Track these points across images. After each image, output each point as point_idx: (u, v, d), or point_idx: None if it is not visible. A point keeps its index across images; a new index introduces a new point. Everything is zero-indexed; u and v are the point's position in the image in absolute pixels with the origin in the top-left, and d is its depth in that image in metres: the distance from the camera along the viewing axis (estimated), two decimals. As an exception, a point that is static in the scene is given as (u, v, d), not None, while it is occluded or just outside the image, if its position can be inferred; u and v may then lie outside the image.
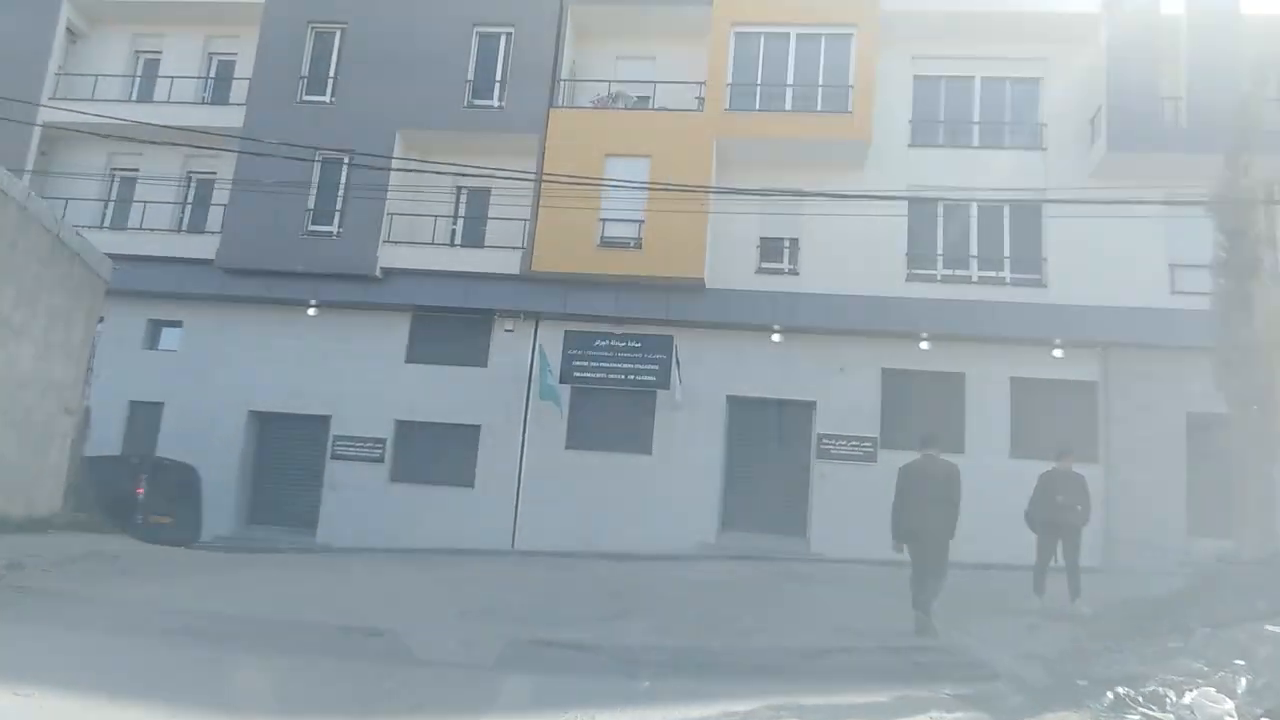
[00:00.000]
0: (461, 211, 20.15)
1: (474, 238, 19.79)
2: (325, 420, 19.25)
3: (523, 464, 18.50)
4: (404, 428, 19.14)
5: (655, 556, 16.47)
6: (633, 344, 18.71)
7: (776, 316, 18.29)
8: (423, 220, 19.52)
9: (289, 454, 19.62)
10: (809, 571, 14.65)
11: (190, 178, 21.04)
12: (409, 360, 19.38)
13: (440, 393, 19.03)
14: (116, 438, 19.62)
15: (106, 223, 20.62)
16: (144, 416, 19.75)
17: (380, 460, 18.90)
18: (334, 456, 19.03)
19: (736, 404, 18.56)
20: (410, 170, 18.26)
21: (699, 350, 18.57)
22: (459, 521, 18.37)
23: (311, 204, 19.47)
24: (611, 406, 18.70)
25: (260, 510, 19.48)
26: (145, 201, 20.48)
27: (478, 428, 18.83)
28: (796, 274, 18.69)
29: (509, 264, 18.70)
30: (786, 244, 19.07)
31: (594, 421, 18.67)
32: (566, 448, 18.56)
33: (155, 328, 20.36)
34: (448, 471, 18.77)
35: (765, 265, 18.91)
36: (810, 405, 18.33)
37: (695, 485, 18.02)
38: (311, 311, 19.67)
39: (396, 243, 19.14)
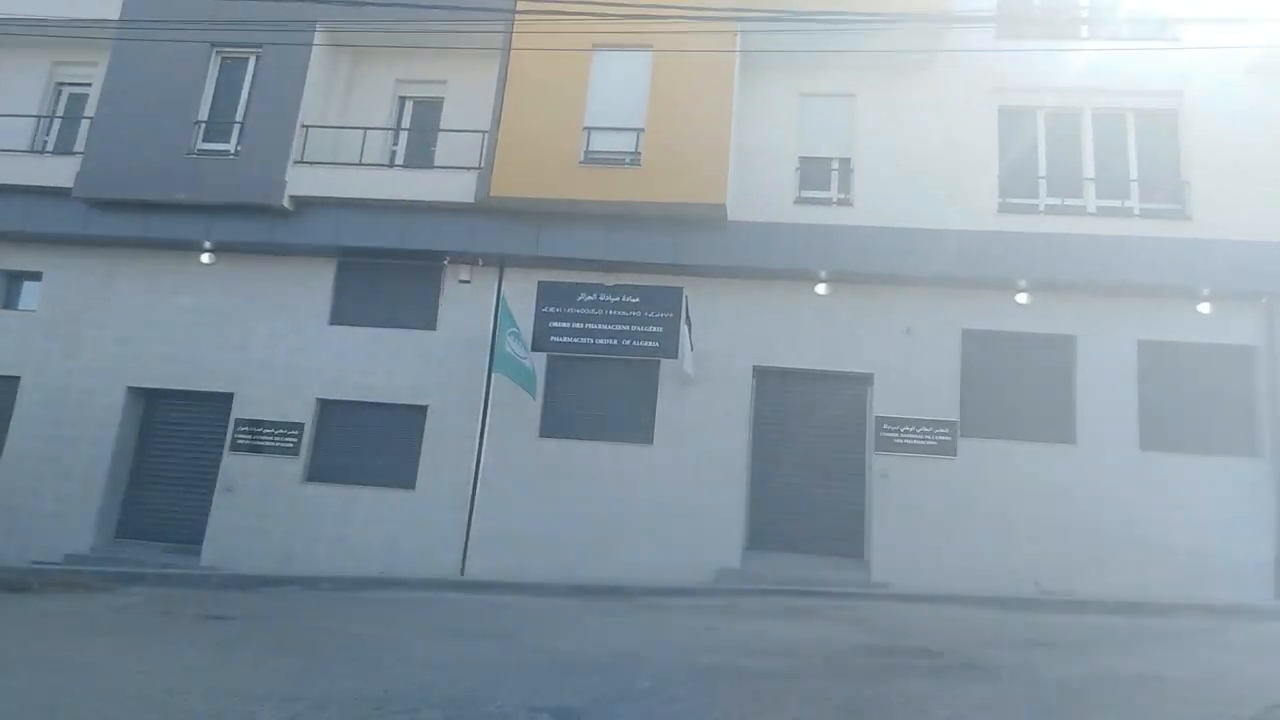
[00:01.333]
0: (405, 123, 15.37)
1: (419, 157, 15.03)
2: (226, 400, 14.61)
3: (481, 458, 13.85)
4: (327, 410, 14.49)
5: (658, 591, 11.84)
6: (628, 298, 13.99)
7: (822, 260, 13.52)
8: (349, 136, 14.77)
9: (176, 444, 14.99)
10: (902, 619, 9.92)
11: (60, 91, 16.28)
12: (335, 321, 14.70)
13: (374, 364, 14.36)
14: (-46, 423, 15.00)
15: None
16: (-7, 394, 15.14)
17: (293, 452, 14.26)
18: (233, 448, 14.39)
19: (767, 378, 13.84)
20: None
21: (717, 306, 13.85)
22: (393, 538, 13.76)
23: (204, 114, 14.71)
24: (600, 382, 14.03)
25: (135, 519, 14.87)
26: (6, 116, 15.74)
27: (423, 409, 14.18)
28: (849, 204, 13.88)
29: (462, 190, 13.93)
30: (835, 165, 14.26)
31: (577, 401, 14.01)
32: (541, 435, 13.90)
33: (10, 281, 15.69)
34: (381, 469, 14.16)
35: (807, 193, 14.10)
36: (866, 379, 13.61)
37: (712, 488, 13.36)
38: (206, 258, 14.97)
39: (314, 163, 14.38)
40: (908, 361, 13.41)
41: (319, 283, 14.81)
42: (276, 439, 14.31)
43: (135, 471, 14.96)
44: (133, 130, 14.55)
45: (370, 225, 14.29)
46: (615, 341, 13.90)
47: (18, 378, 15.08)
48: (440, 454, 13.97)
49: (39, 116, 15.61)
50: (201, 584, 12.74)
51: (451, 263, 14.39)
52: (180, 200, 14.39)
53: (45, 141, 15.81)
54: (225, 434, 14.50)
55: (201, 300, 14.94)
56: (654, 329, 13.82)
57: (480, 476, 13.81)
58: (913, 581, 12.63)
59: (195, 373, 14.73)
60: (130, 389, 14.86)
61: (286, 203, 14.20)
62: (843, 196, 14.00)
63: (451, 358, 14.24)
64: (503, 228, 13.99)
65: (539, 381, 13.92)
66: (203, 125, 14.75)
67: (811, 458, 13.54)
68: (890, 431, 13.21)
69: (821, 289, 13.76)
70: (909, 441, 13.17)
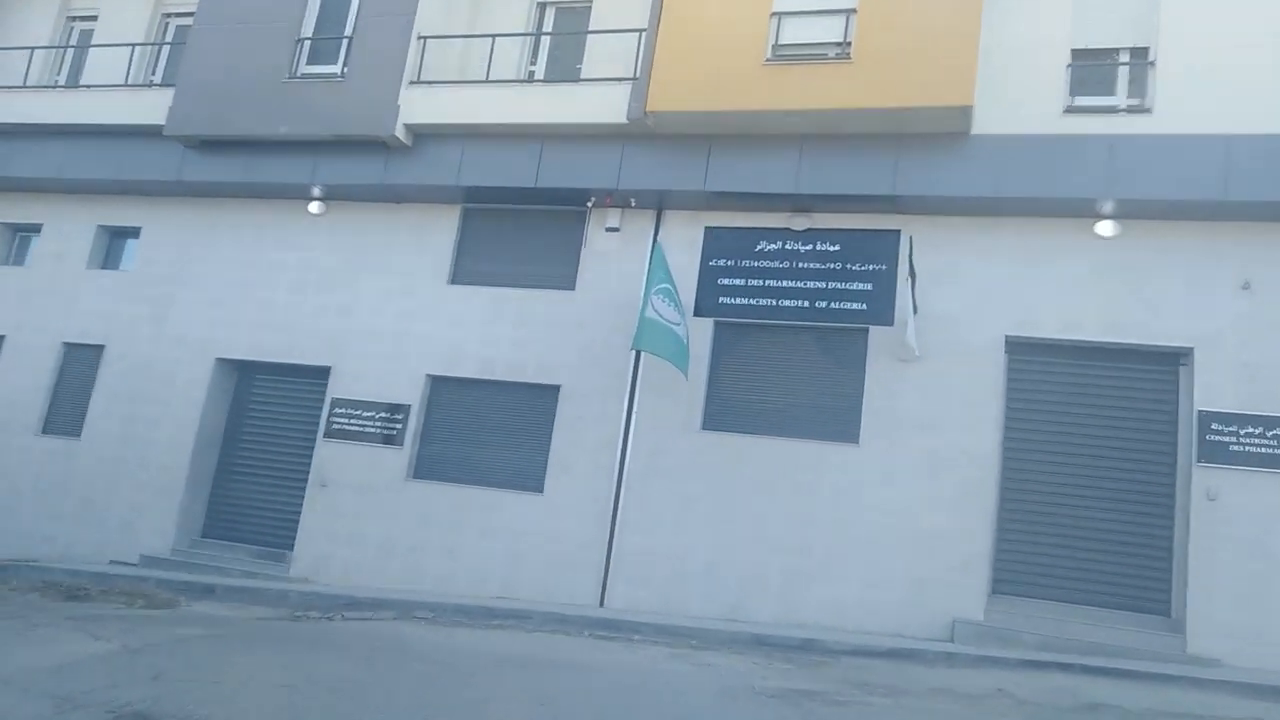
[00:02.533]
0: (546, 27, 12.47)
1: (561, 73, 12.04)
2: (323, 375, 12.05)
3: (626, 456, 10.61)
4: (439, 390, 11.65)
5: (873, 652, 8.17)
6: (826, 245, 10.46)
7: (1105, 187, 9.51)
8: (475, 50, 11.99)
9: (268, 428, 12.55)
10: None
11: (166, 24, 14.41)
12: (456, 280, 11.88)
13: (498, 332, 11.43)
14: (37, 398, 13.17)
15: (60, 79, 14.37)
16: (80, 366, 13.21)
17: (397, 441, 11.47)
18: (328, 434, 11.77)
19: (1025, 354, 9.90)
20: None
21: (954, 254, 10.08)
22: (516, 553, 10.69)
23: (308, 29, 12.34)
24: (785, 358, 10.53)
25: (222, 517, 12.47)
26: (103, 46, 13.91)
27: (554, 391, 11.10)
28: (1145, 110, 9.78)
29: (613, 108, 10.80)
30: (1125, 58, 10.23)
31: (753, 384, 10.57)
32: (704, 428, 10.52)
33: (112, 238, 13.83)
34: (502, 466, 11.16)
35: (1083, 99, 10.10)
36: (1178, 357, 9.45)
37: (944, 506, 9.54)
38: (315, 207, 12.53)
39: (432, 83, 11.67)
40: (1246, 331, 9.17)
41: (438, 233, 12.04)
42: (379, 425, 11.58)
43: (224, 459, 12.61)
44: (229, 55, 12.34)
45: (500, 160, 11.40)
46: (807, 304, 10.37)
47: (102, 346, 13.10)
48: (575, 448, 10.82)
49: (132, 45, 13.68)
50: (279, 602, 10.06)
51: (597, 206, 11.29)
52: (282, 136, 12.01)
53: (151, 82, 13.89)
54: (320, 417, 11.91)
55: (305, 256, 12.49)
56: (861, 286, 10.20)
57: (625, 479, 10.55)
58: (1257, 658, 8.38)
59: (291, 342, 12.26)
60: (219, 361, 12.55)
61: (400, 133, 11.53)
62: (1135, 102, 9.92)
63: (592, 326, 11.10)
64: (662, 156, 10.77)
65: (701, 357, 10.56)
66: (306, 44, 12.36)
67: (1090, 467, 9.47)
68: (1221, 434, 8.98)
69: (1105, 228, 9.73)
70: (1252, 449, 8.91)
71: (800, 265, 10.47)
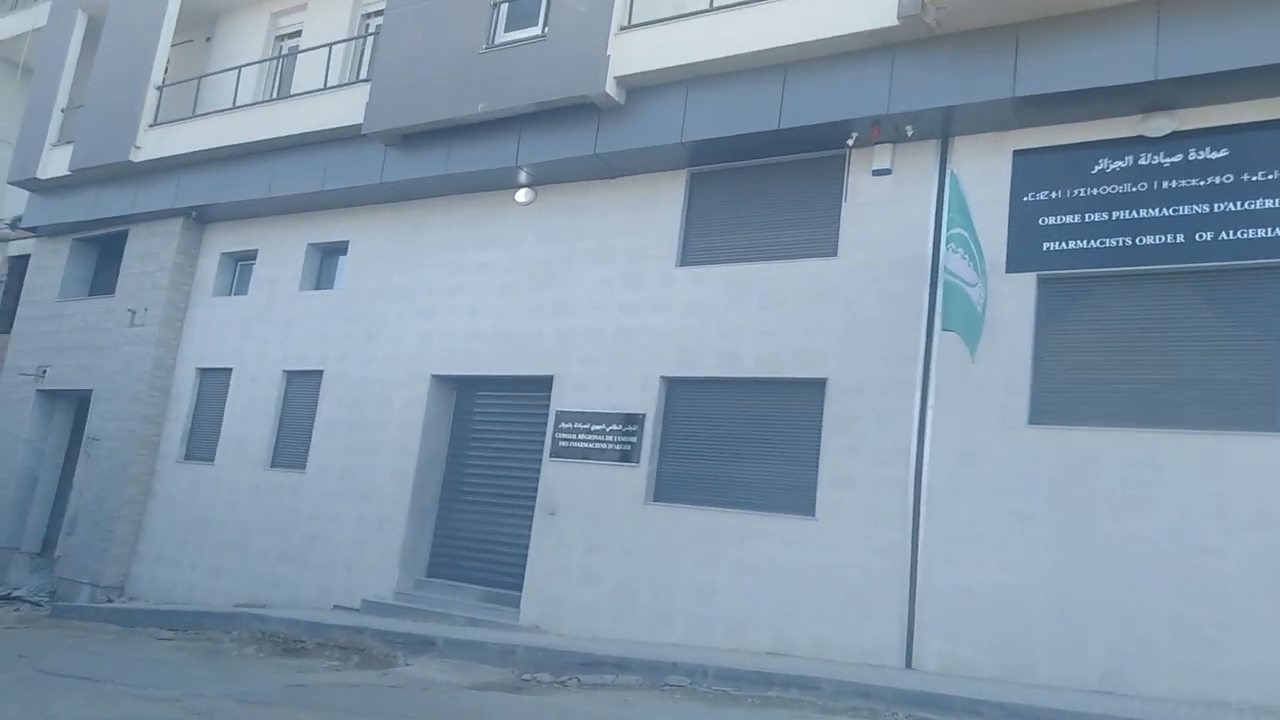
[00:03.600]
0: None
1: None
2: (544, 385, 10.34)
3: (924, 463, 7.99)
4: (677, 393, 9.56)
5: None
6: (1207, 152, 7.36)
7: None
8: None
9: (491, 449, 11.02)
10: None
11: (366, 24, 13.52)
12: (686, 260, 9.80)
13: (742, 318, 9.18)
14: (264, 429, 12.48)
15: (272, 93, 13.88)
16: (301, 394, 12.40)
17: (631, 458, 9.48)
18: (554, 453, 10.00)
19: None
20: None
21: None
22: (785, 595, 8.34)
23: (503, -8, 10.81)
24: (1151, 319, 7.49)
25: (447, 554, 11.06)
26: (301, 52, 13.25)
27: (819, 385, 8.67)
28: None
29: (875, 11, 8.28)
30: None
31: (1103, 360, 7.60)
32: (1031, 423, 7.68)
33: (324, 257, 13.03)
34: (761, 483, 8.86)
35: None
36: None
37: None
38: (522, 195, 10.93)
39: (646, 24, 9.70)
40: None
41: (662, 208, 10.02)
42: (610, 439, 9.67)
43: (448, 488, 11.22)
44: (423, 38, 11.05)
45: (732, 103, 9.20)
46: (1181, 238, 7.31)
47: (319, 372, 12.18)
48: (852, 457, 8.33)
49: (329, 44, 12.78)
50: (505, 659, 8.35)
51: (859, 144, 8.80)
52: (481, 116, 10.51)
53: (353, 80, 12.96)
54: (545, 434, 10.18)
55: (515, 253, 10.92)
56: (1271, 204, 7.02)
57: (924, 495, 7.93)
58: None
59: (507, 352, 10.67)
60: (435, 379, 11.20)
61: (611, 89, 9.64)
62: None
63: (862, 299, 8.59)
64: (948, 63, 8.10)
65: (1020, 327, 7.76)
66: (503, 8, 10.82)
67: None
68: None
69: None
70: None
71: (1165, 186, 7.43)
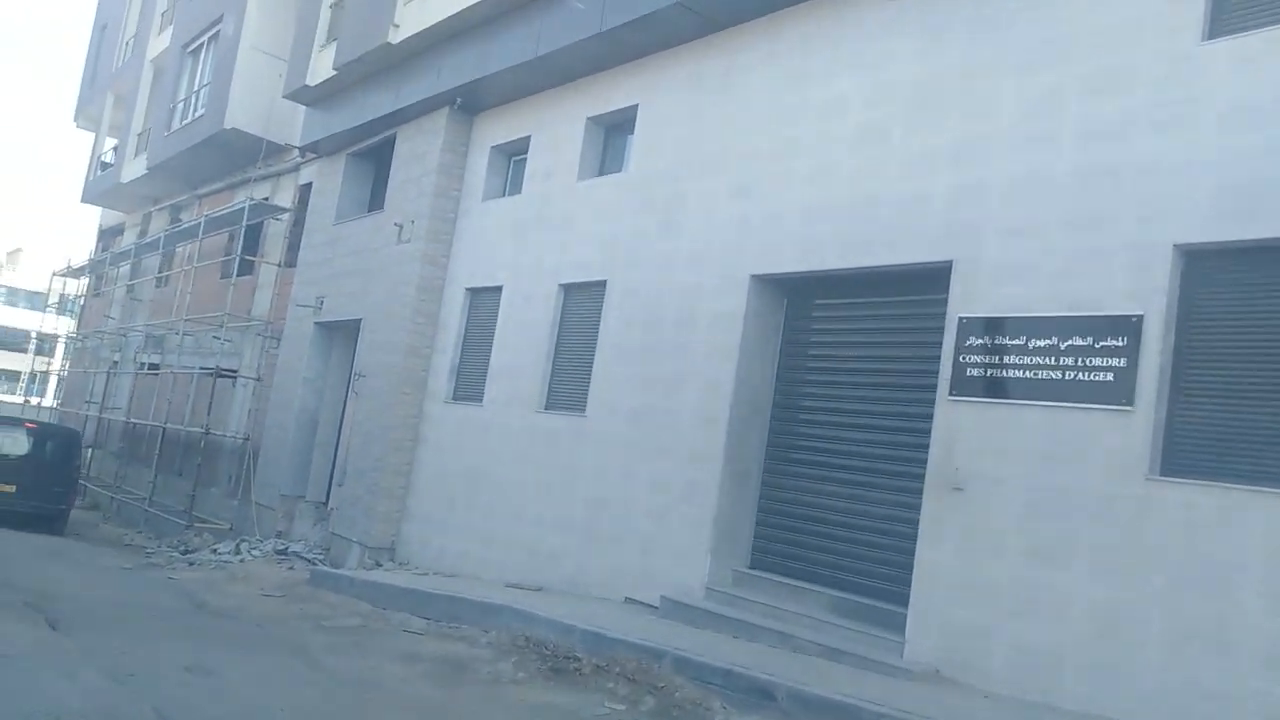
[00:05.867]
0: None
1: None
2: (936, 278, 6.36)
3: None
4: (1204, 274, 5.18)
5: None
6: None
7: None
8: None
9: (843, 382, 7.25)
10: None
11: None
12: (1220, 30, 5.30)
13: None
14: (536, 362, 9.70)
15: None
16: (581, 314, 9.43)
17: (1115, 398, 5.26)
18: (958, 388, 6.03)
19: None
20: None
21: None
22: None
23: None
24: None
25: (777, 537, 7.51)
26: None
27: None
28: None
29: None
30: None
31: None
32: None
33: (608, 135, 9.92)
34: None
35: None
36: None
37: None
38: (888, -11, 6.94)
39: None
40: None
41: (1161, -49, 5.58)
42: (1066, 364, 5.52)
43: (776, 441, 7.67)
44: None
45: None
46: None
47: (602, 283, 9.08)
48: None
49: None
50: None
51: None
52: None
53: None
54: (939, 358, 6.23)
55: (877, 76, 6.98)
56: None
57: None
58: None
59: (871, 230, 6.80)
60: (755, 281, 7.62)
61: None
62: None
63: None
64: None
65: None
66: None
67: None
68: None
69: None
70: None
71: None
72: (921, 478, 6.22)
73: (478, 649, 6.96)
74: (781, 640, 6.50)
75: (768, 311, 7.70)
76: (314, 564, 11.24)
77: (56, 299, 26.34)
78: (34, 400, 27.84)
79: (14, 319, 44.51)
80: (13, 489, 13.63)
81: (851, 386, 7.17)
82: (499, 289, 10.49)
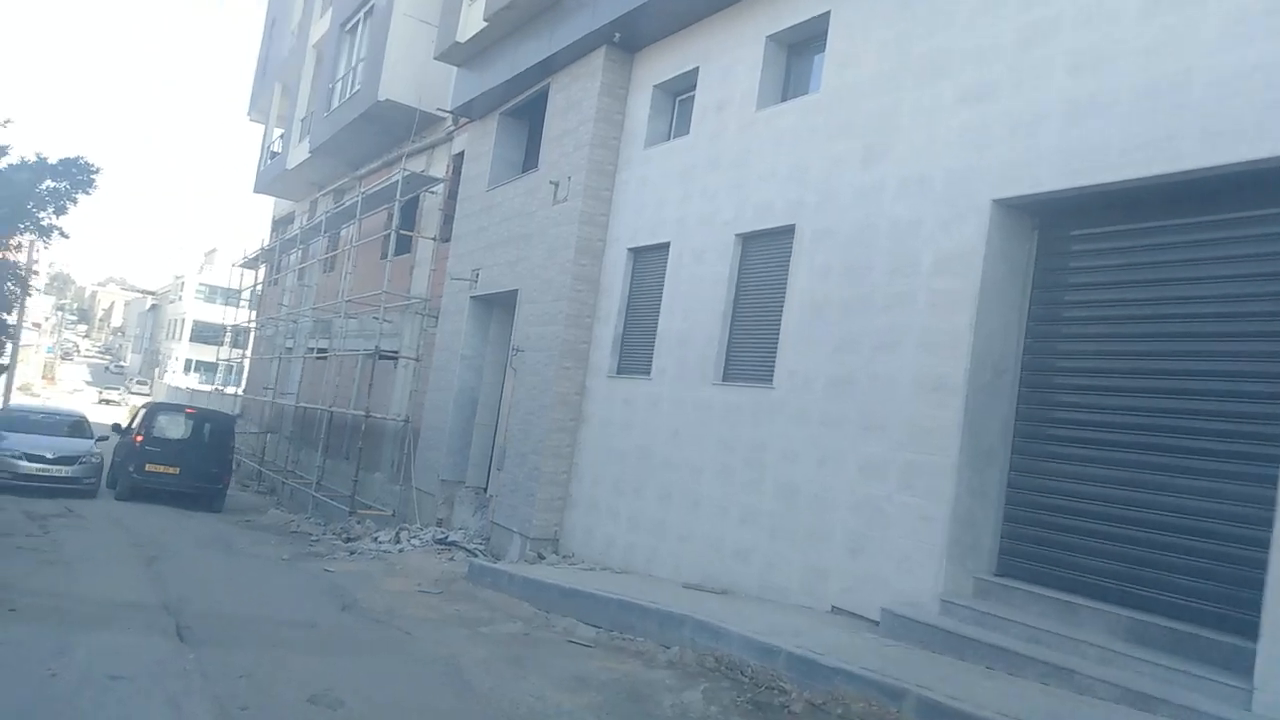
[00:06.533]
0: None
1: None
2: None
3: None
4: None
5: None
6: None
7: None
8: None
9: (1119, 335, 5.46)
10: None
11: None
12: None
13: None
14: (711, 327, 8.33)
15: None
16: (762, 268, 7.96)
17: None
18: None
19: None
20: None
21: None
22: None
23: None
24: None
25: (1031, 536, 5.81)
26: None
27: None
28: None
29: None
30: None
31: None
32: None
33: (786, 56, 8.39)
34: None
35: None
36: None
37: None
38: None
39: None
40: None
41: None
42: None
43: (1030, 413, 5.96)
44: None
45: None
46: None
47: (790, 228, 7.57)
48: None
49: None
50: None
51: None
52: None
53: None
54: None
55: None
56: None
57: None
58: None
59: (1177, 123, 4.97)
60: (999, 206, 5.92)
61: None
62: None
63: None
64: None
65: None
66: None
67: None
68: None
69: None
70: None
71: None
72: (1261, 463, 4.41)
73: (656, 670, 5.68)
74: (1056, 676, 4.85)
75: (1013, 247, 5.98)
76: (474, 555, 10.34)
77: (247, 292, 27.22)
78: (227, 390, 29.03)
79: (212, 314, 47.41)
80: (176, 470, 14.35)
81: (1143, 339, 5.36)
82: (665, 246, 9.16)
